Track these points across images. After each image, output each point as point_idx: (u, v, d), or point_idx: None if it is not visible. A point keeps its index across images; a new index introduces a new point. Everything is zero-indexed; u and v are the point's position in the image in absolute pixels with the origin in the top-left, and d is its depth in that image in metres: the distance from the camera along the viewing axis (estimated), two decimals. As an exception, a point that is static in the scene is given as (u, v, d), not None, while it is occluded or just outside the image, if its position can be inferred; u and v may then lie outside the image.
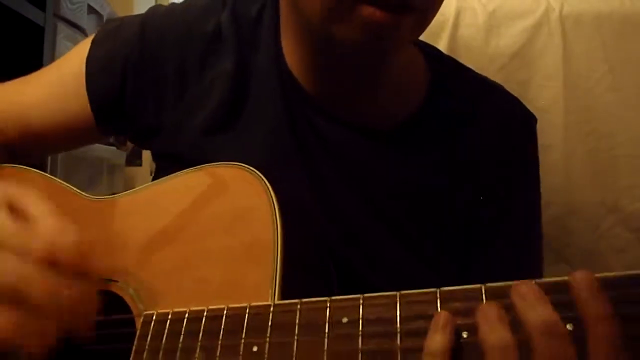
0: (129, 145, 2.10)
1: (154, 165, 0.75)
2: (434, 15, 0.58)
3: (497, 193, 0.66)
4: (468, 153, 0.66)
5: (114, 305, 0.54)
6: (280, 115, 0.64)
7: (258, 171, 0.55)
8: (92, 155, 1.75)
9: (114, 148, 1.97)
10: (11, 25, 1.31)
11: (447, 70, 0.70)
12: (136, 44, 0.67)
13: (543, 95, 0.95)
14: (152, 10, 0.70)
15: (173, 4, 0.72)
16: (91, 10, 1.65)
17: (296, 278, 0.50)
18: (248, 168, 0.55)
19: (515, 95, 0.72)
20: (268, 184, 0.53)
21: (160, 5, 0.71)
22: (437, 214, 0.65)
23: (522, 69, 0.96)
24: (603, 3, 0.97)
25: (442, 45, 0.94)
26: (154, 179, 0.72)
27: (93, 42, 0.69)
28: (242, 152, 0.62)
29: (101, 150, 1.83)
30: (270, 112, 0.64)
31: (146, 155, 2.21)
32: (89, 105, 0.68)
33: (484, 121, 0.67)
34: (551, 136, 0.93)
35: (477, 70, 0.73)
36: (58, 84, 0.70)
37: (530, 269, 0.68)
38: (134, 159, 2.19)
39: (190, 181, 0.58)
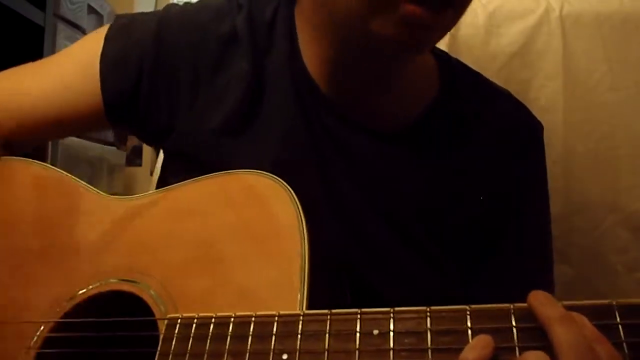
0: (129, 145, 2.10)
1: (154, 165, 0.75)
2: (465, 11, 0.59)
3: (504, 198, 0.66)
4: (476, 156, 0.66)
5: (130, 307, 0.53)
6: (295, 117, 0.64)
7: (273, 173, 0.55)
8: (92, 155, 1.75)
9: (114, 148, 1.97)
10: (11, 25, 1.31)
11: (456, 72, 0.70)
12: (151, 45, 0.66)
13: (543, 95, 0.95)
14: (166, 10, 0.70)
15: (187, 3, 0.71)
16: (91, 10, 1.66)
17: (316, 284, 0.50)
18: (274, 177, 0.55)
19: (516, 95, 0.73)
20: (293, 193, 0.53)
21: (175, 5, 0.71)
22: (445, 216, 0.65)
23: (523, 69, 0.96)
24: (603, 3, 0.97)
25: (442, 45, 0.93)
26: (160, 177, 0.72)
27: (106, 38, 0.68)
28: (257, 153, 0.62)
29: (101, 150, 1.83)
30: (285, 114, 0.64)
31: (146, 155, 2.21)
32: (100, 100, 0.67)
33: (491, 126, 0.68)
34: (551, 135, 0.93)
35: (477, 70, 0.73)
36: (66, 78, 0.69)
37: (538, 275, 0.68)
38: (134, 159, 2.19)
39: (214, 186, 0.58)
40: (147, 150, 2.15)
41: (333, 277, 0.58)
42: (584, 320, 0.39)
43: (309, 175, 0.63)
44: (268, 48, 0.66)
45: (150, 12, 0.71)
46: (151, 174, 0.77)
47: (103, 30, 0.69)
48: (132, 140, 2.15)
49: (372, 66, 0.62)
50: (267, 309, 0.47)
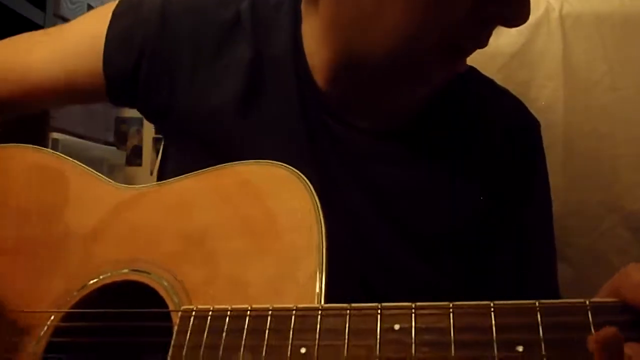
0: (129, 145, 2.10)
1: (154, 165, 0.75)
2: None
3: (505, 195, 0.66)
4: (475, 153, 0.66)
5: (141, 297, 0.53)
6: (296, 111, 0.64)
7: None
8: (92, 155, 1.75)
9: (114, 148, 1.97)
10: (11, 25, 1.31)
11: None
12: (156, 25, 0.67)
13: (543, 95, 0.95)
14: None
15: None
16: (91, 10, 1.65)
17: (332, 282, 0.49)
18: (288, 167, 0.54)
19: (516, 95, 0.73)
20: (310, 185, 0.53)
21: None
22: (447, 213, 0.65)
23: (522, 69, 0.96)
24: (603, 3, 0.96)
25: (442, 45, 0.94)
26: (161, 160, 0.72)
27: (114, 14, 0.69)
28: (258, 142, 0.62)
29: (101, 150, 1.83)
30: (286, 106, 0.64)
31: (146, 155, 2.21)
32: (102, 76, 0.68)
33: (489, 123, 0.68)
34: (551, 135, 0.93)
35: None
36: (73, 47, 0.70)
37: (544, 269, 0.69)
38: (134, 159, 2.19)
39: (227, 177, 0.57)
40: (147, 150, 2.15)
41: (343, 274, 0.57)
42: None
43: (307, 172, 0.62)
44: (271, 38, 0.66)
45: None
46: (151, 174, 0.77)
47: (113, 5, 0.70)
48: (132, 140, 2.15)
49: (378, 80, 0.62)
50: (284, 301, 0.46)
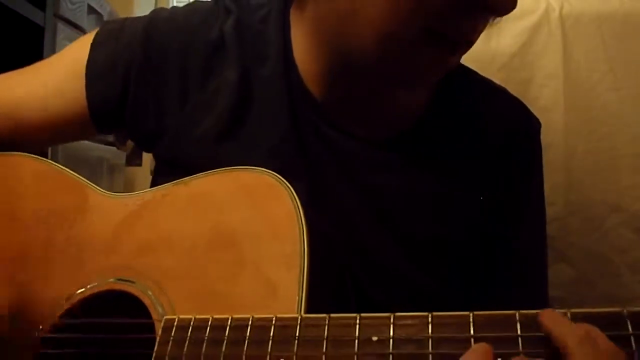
0: (129, 145, 2.10)
1: (154, 165, 0.75)
2: None
3: (502, 198, 0.66)
4: (474, 157, 0.66)
5: (129, 307, 0.53)
6: (287, 125, 0.63)
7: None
8: (92, 155, 1.75)
9: (114, 148, 1.97)
10: (11, 25, 1.31)
11: (452, 73, 0.69)
12: (139, 50, 0.66)
13: (543, 95, 0.95)
14: (155, 14, 0.69)
15: (175, 7, 0.71)
16: (91, 10, 1.65)
17: (318, 287, 0.49)
18: (275, 175, 0.54)
19: (516, 94, 0.72)
20: (293, 192, 0.52)
21: (163, 9, 0.70)
22: (446, 222, 0.64)
23: (523, 69, 0.96)
24: (603, 3, 0.97)
25: (442, 45, 0.94)
26: (153, 180, 0.71)
27: (93, 43, 0.68)
28: (247, 159, 0.61)
29: (101, 150, 1.83)
30: (276, 119, 0.63)
31: (146, 155, 2.21)
32: (86, 107, 0.67)
33: (489, 125, 0.67)
34: (552, 136, 0.93)
35: (477, 70, 0.72)
36: (54, 83, 0.68)
37: (537, 274, 0.68)
38: (134, 159, 2.18)
39: (213, 185, 0.57)
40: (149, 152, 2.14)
41: (335, 281, 0.57)
42: (598, 336, 0.38)
43: (298, 182, 0.61)
44: (258, 54, 0.65)
45: (139, 17, 0.70)
46: (151, 174, 0.77)
47: (92, 35, 0.69)
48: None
49: (371, 81, 0.62)
50: (266, 311, 0.46)
